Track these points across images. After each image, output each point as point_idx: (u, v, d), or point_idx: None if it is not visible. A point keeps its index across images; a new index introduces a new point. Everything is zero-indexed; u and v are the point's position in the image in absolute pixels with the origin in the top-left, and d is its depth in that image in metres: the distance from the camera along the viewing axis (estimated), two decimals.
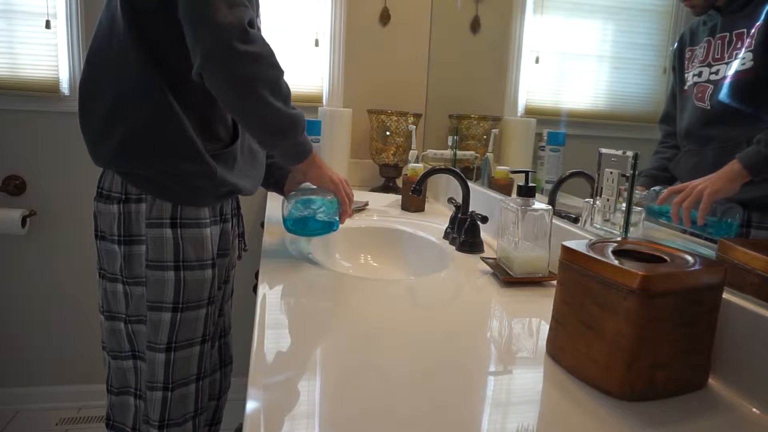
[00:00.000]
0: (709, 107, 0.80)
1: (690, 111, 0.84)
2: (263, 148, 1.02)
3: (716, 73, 0.79)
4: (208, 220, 1.04)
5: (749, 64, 0.74)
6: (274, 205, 1.56)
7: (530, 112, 1.36)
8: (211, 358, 1.14)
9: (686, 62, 0.85)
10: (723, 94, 0.78)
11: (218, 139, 1.02)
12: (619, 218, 0.86)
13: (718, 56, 0.79)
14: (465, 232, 1.17)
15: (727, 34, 0.77)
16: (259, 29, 1.05)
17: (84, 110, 1.00)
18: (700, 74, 0.82)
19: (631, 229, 0.85)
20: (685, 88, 0.85)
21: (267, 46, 0.91)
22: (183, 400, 1.04)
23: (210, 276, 1.04)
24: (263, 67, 0.90)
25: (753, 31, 0.73)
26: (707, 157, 0.80)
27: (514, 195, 1.19)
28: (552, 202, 1.15)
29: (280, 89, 0.94)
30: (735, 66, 0.76)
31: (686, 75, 0.85)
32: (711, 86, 0.79)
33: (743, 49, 0.75)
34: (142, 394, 1.05)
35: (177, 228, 0.99)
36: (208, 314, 1.06)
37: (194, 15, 0.86)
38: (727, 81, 0.77)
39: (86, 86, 0.99)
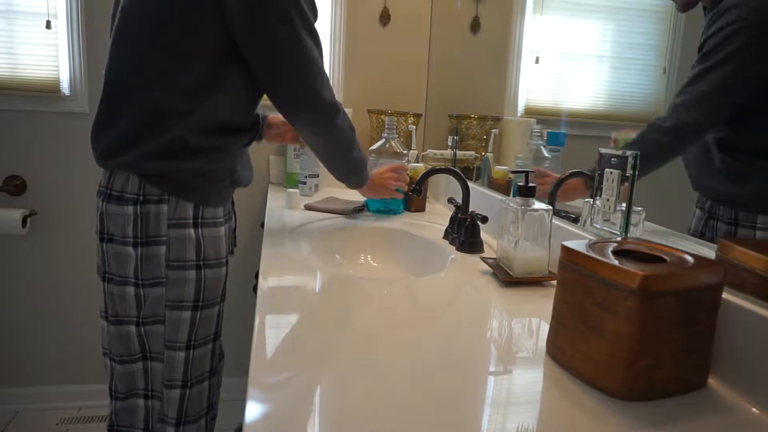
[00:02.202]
0: None
1: None
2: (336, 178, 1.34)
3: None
4: (222, 219, 1.07)
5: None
6: (274, 206, 1.56)
7: (530, 112, 1.36)
8: None
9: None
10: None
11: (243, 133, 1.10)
12: (619, 218, 0.86)
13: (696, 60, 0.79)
14: (465, 232, 1.17)
15: (703, 38, 0.77)
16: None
17: (104, 119, 1.01)
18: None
19: (631, 229, 0.85)
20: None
21: (347, 118, 1.18)
22: (199, 397, 1.06)
23: (224, 273, 1.09)
24: (349, 136, 1.20)
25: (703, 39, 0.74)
26: (701, 149, 0.81)
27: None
28: (552, 202, 1.15)
29: (355, 145, 1.24)
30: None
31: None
32: None
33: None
34: (156, 394, 1.05)
35: (198, 228, 1.02)
36: (220, 311, 1.09)
37: (303, 90, 1.05)
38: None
39: (111, 98, 1.00)
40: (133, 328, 1.03)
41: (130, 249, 0.99)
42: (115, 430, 1.08)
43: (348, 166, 1.28)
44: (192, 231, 1.01)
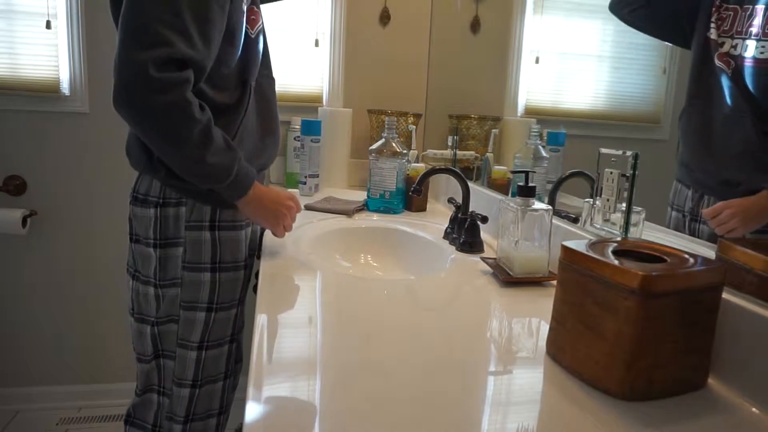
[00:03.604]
0: (730, 75, 0.75)
1: (706, 63, 0.79)
2: None
3: (735, 48, 0.74)
4: (243, 222, 1.07)
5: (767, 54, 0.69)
6: None
7: (530, 112, 1.36)
8: None
9: (713, 9, 0.78)
10: (744, 76, 0.73)
11: (236, 119, 1.02)
12: (619, 218, 0.86)
13: (740, 29, 0.74)
14: (465, 232, 1.17)
15: (750, 6, 0.72)
16: (257, 32, 1.04)
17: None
18: (722, 44, 0.77)
19: (631, 229, 0.85)
20: (708, 36, 0.79)
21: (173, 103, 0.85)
22: (209, 397, 1.06)
23: (242, 277, 1.08)
24: (183, 128, 0.87)
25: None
26: (715, 120, 0.77)
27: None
28: (552, 202, 1.15)
29: (187, 143, 0.88)
30: (752, 49, 0.71)
31: (710, 23, 0.79)
32: (733, 63, 0.75)
33: (759, 30, 0.69)
34: (167, 392, 1.07)
35: (215, 230, 1.02)
36: (238, 314, 1.10)
37: (116, 54, 0.83)
38: (748, 64, 0.72)
39: None
40: (148, 329, 1.06)
41: (151, 250, 1.01)
42: (131, 421, 1.11)
43: (193, 170, 0.92)
44: (208, 233, 1.01)
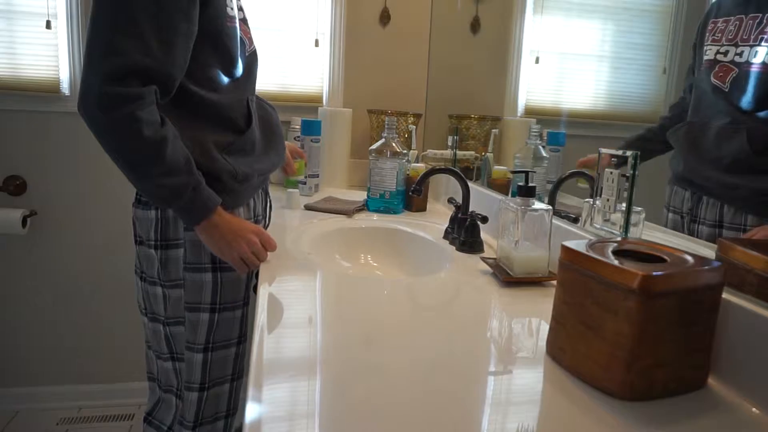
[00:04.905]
0: (727, 90, 0.76)
1: (704, 86, 0.80)
2: None
3: (740, 55, 0.74)
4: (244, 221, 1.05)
5: None
6: (274, 206, 1.55)
7: (530, 112, 1.36)
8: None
9: (707, 34, 0.80)
10: (747, 83, 0.73)
11: (238, 131, 1.02)
12: (619, 218, 0.86)
13: (746, 37, 0.74)
14: (465, 232, 1.17)
15: (760, 14, 0.73)
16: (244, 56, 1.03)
17: None
18: (726, 53, 0.77)
19: (631, 229, 0.85)
20: (703, 61, 0.80)
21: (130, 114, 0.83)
22: (216, 399, 1.06)
23: (246, 277, 1.07)
24: (137, 145, 0.86)
25: None
26: (708, 134, 0.78)
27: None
28: (552, 202, 1.15)
29: (133, 160, 0.87)
30: (763, 55, 0.71)
31: (705, 48, 0.80)
32: (736, 69, 0.75)
33: None
34: (182, 395, 1.07)
35: None
36: (244, 315, 1.09)
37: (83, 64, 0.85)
38: (755, 70, 0.72)
39: None
40: (161, 327, 1.06)
41: (153, 251, 1.02)
42: (149, 420, 1.12)
43: (141, 186, 0.93)
44: None
